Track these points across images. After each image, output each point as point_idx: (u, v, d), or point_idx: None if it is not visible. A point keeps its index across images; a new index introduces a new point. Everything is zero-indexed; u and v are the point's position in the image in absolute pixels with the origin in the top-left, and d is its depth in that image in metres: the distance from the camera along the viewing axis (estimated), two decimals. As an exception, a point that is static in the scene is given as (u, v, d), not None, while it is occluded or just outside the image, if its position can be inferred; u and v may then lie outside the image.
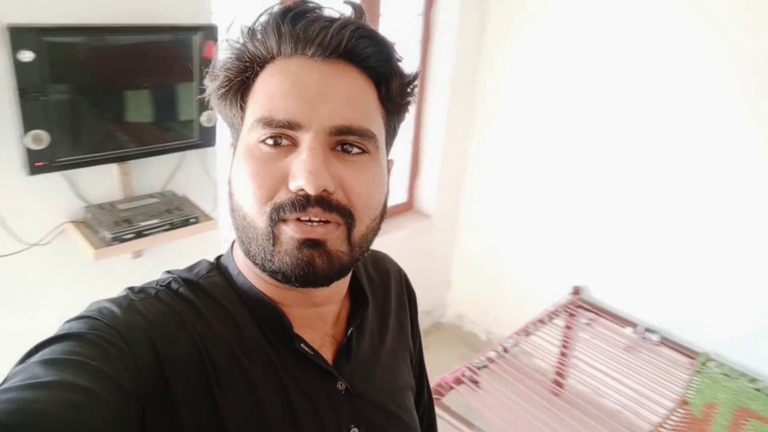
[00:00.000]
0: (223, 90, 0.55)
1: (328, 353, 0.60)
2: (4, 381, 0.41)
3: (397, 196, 2.74)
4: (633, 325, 2.20)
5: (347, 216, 0.52)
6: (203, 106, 1.57)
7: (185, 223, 1.52)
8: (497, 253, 2.75)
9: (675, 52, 1.96)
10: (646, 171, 2.12)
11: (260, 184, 0.51)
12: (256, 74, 0.54)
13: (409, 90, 0.58)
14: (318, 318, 0.61)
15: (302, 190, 0.49)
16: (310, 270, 0.51)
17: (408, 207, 2.79)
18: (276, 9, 0.53)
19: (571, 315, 2.36)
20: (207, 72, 0.57)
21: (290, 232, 0.50)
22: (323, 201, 0.50)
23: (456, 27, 2.41)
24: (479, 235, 2.83)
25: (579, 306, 2.36)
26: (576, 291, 2.41)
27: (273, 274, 0.53)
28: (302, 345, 0.57)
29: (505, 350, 2.04)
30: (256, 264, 0.54)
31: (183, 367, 0.49)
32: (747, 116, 1.84)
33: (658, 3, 1.98)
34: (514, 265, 2.68)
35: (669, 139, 2.04)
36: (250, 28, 0.54)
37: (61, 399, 0.39)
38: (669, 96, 2.01)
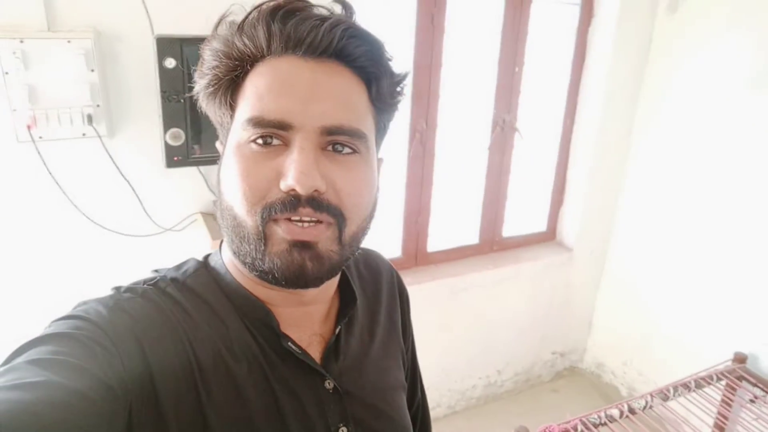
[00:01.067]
0: (212, 89, 0.55)
1: (316, 352, 0.60)
2: None
3: (536, 224, 2.56)
4: (813, 413, 1.75)
5: (338, 216, 0.52)
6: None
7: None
8: (648, 299, 2.41)
9: None
10: None
11: (251, 184, 0.51)
12: (246, 73, 0.54)
13: (399, 89, 0.58)
14: (306, 317, 0.61)
15: (293, 189, 0.49)
16: (301, 273, 0.51)
17: (549, 237, 2.59)
18: (265, 6, 0.52)
19: (731, 387, 1.96)
20: (195, 70, 0.58)
21: (281, 233, 0.50)
22: (314, 201, 0.50)
23: (612, 48, 2.19)
24: (629, 277, 2.51)
25: (741, 377, 1.94)
26: (740, 358, 1.99)
27: (263, 275, 0.52)
28: (289, 344, 0.57)
29: (632, 411, 1.76)
30: (246, 264, 0.54)
31: (169, 366, 0.50)
32: None
33: None
34: (666, 315, 2.32)
35: None
36: (239, 26, 0.53)
37: (48, 399, 0.39)
38: None
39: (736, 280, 2.04)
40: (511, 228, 2.46)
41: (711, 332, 2.13)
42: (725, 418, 1.95)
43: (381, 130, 0.59)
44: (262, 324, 0.57)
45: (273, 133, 0.50)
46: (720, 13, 2.00)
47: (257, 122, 0.50)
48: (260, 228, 0.50)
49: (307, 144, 0.50)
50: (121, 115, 1.45)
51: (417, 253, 2.27)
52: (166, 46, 1.37)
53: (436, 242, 2.29)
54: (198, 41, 1.38)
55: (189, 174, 1.58)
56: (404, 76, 0.58)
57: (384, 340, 0.70)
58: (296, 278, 0.51)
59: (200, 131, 1.49)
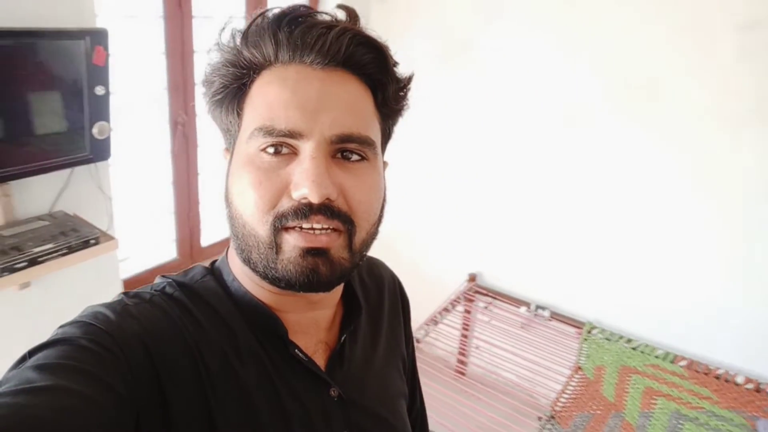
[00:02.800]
0: (219, 96, 0.54)
1: (321, 359, 0.61)
2: None
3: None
4: (526, 304, 2.41)
5: (348, 223, 0.52)
6: (95, 116, 1.44)
7: (85, 244, 1.39)
8: (401, 249, 2.83)
9: (542, 64, 2.18)
10: (528, 166, 2.33)
11: (262, 193, 0.51)
12: (252, 80, 0.54)
13: (403, 94, 0.60)
14: (312, 324, 0.61)
15: (305, 198, 0.49)
16: (314, 277, 0.51)
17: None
18: (270, 14, 0.52)
19: (470, 300, 2.51)
20: (203, 81, 0.56)
21: (293, 241, 0.51)
22: (326, 209, 0.50)
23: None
24: (381, 234, 2.88)
25: (476, 291, 2.52)
26: (472, 278, 2.57)
27: (276, 281, 0.52)
28: (296, 351, 0.57)
29: (417, 340, 2.12)
30: (257, 272, 0.53)
31: (177, 371, 0.49)
32: (617, 116, 2.11)
33: (531, 26, 2.18)
34: (416, 258, 2.78)
35: (551, 134, 2.25)
36: (244, 34, 0.53)
37: (55, 404, 0.39)
38: (540, 98, 2.22)
39: (463, 216, 2.58)
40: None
41: (451, 263, 2.65)
42: (468, 323, 2.51)
43: (386, 136, 0.61)
44: (269, 330, 0.57)
45: (283, 142, 0.51)
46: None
47: (268, 131, 0.50)
48: (272, 237, 0.51)
49: (318, 153, 0.50)
50: None
51: (192, 250, 2.18)
52: None
53: (208, 235, 2.24)
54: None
55: None
56: (409, 81, 0.59)
57: (386, 349, 0.71)
58: (309, 282, 0.51)
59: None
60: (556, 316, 2.34)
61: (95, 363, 0.43)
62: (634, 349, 2.10)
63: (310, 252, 0.51)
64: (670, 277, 2.09)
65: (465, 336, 2.51)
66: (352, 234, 0.53)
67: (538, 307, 2.38)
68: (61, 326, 0.48)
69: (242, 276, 0.58)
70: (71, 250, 1.37)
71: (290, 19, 0.52)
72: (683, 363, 2.01)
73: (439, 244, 2.67)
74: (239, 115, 0.54)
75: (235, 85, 0.54)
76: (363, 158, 0.54)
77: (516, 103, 2.29)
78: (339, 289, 0.65)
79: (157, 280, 0.58)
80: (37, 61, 1.31)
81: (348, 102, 0.53)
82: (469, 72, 2.37)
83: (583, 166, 2.20)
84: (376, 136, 0.56)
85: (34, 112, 1.35)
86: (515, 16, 2.20)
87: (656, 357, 2.05)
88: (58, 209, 1.50)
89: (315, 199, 0.49)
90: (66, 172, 1.49)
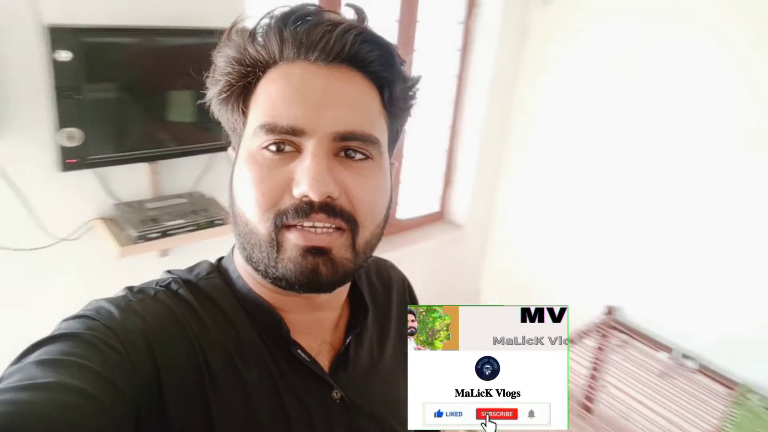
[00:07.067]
0: (225, 95, 0.55)
1: (325, 361, 0.60)
2: (0, 381, 0.41)
3: (428, 205, 2.70)
4: (668, 349, 2.10)
5: (351, 222, 0.51)
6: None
7: (210, 224, 1.53)
8: (528, 267, 2.68)
9: (717, 86, 1.87)
10: (692, 187, 2.03)
11: (263, 190, 0.50)
12: (258, 79, 0.53)
13: (411, 93, 0.58)
14: (317, 324, 0.61)
15: (306, 196, 0.49)
16: (314, 277, 0.50)
17: (439, 217, 2.75)
18: (277, 12, 0.52)
19: (603, 336, 2.27)
20: (207, 76, 0.56)
21: (294, 239, 0.50)
22: (327, 207, 0.49)
23: (496, 37, 2.37)
24: (511, 248, 2.77)
25: (612, 327, 2.26)
26: (609, 311, 2.31)
27: (276, 280, 0.52)
28: (299, 351, 0.56)
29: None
30: (259, 271, 0.53)
31: (179, 370, 0.49)
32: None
33: (705, 39, 1.89)
34: (545, 280, 2.61)
35: (715, 158, 1.94)
36: (251, 32, 0.52)
37: (56, 400, 0.39)
38: (712, 122, 1.92)
39: (604, 242, 2.35)
40: (406, 210, 2.57)
41: (586, 290, 2.43)
42: (600, 361, 2.26)
43: (393, 135, 0.59)
44: (272, 330, 0.56)
45: (286, 139, 0.50)
46: (589, 6, 2.25)
47: (270, 128, 0.50)
48: (272, 235, 0.50)
49: (319, 150, 0.49)
50: (3, 113, 1.27)
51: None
52: (60, 36, 1.23)
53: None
54: (98, 32, 1.28)
55: (85, 177, 1.44)
56: (417, 81, 0.58)
57: (394, 353, 0.69)
58: (309, 282, 0.50)
59: (101, 131, 1.37)
60: (704, 369, 2.00)
61: (97, 359, 0.44)
62: (803, 427, 1.71)
63: (310, 251, 0.50)
64: None
65: (594, 377, 2.27)
66: (355, 233, 0.52)
67: (683, 355, 2.06)
68: (64, 320, 0.49)
69: (246, 275, 0.58)
70: (198, 227, 1.52)
71: (297, 17, 0.51)
72: None
73: (577, 268, 2.46)
74: (244, 113, 0.54)
75: (240, 84, 0.54)
76: (367, 157, 0.53)
77: (685, 121, 2.01)
78: (344, 291, 0.63)
79: (163, 275, 0.58)
80: (200, 57, 1.48)
81: (352, 99, 0.52)
82: (636, 88, 2.13)
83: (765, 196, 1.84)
84: (381, 134, 0.55)
85: (185, 103, 1.53)
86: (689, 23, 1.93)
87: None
88: (197, 190, 1.68)
89: (315, 197, 0.48)
90: (207, 157, 1.66)
